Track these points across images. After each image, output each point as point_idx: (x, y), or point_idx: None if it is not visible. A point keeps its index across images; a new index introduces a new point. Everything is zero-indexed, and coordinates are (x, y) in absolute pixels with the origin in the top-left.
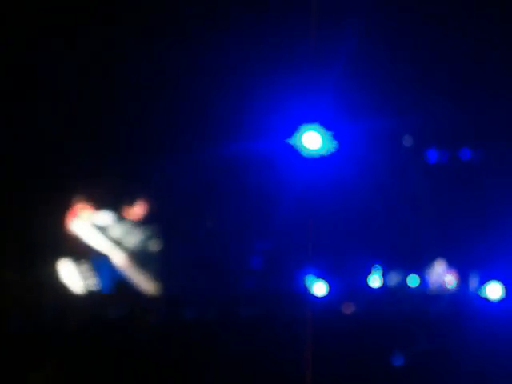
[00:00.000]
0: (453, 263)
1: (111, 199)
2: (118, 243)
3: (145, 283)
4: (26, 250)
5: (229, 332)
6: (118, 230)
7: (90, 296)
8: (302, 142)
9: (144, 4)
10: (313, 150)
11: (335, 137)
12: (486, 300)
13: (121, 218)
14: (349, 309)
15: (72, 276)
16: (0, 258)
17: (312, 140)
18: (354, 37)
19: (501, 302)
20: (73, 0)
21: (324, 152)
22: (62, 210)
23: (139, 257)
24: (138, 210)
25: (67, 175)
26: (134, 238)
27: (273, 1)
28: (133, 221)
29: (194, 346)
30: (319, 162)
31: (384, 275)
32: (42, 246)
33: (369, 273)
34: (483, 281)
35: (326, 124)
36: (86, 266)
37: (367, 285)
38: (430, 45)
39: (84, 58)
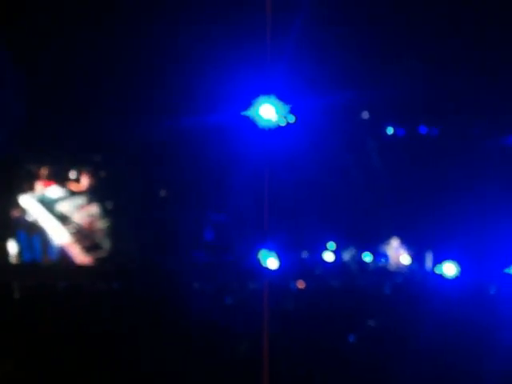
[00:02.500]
0: (408, 241)
1: (59, 173)
2: (66, 217)
3: (93, 255)
4: None
5: (180, 305)
6: (67, 204)
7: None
8: (258, 114)
9: None
10: (269, 122)
11: (292, 109)
12: (440, 277)
13: (71, 191)
14: (302, 283)
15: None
16: None
17: (268, 112)
18: (312, 8)
19: (455, 279)
20: None
21: (280, 124)
22: (10, 185)
23: (89, 229)
24: (87, 182)
25: (16, 153)
26: (85, 211)
27: None
28: (82, 193)
29: (142, 318)
30: (275, 134)
31: (338, 251)
32: None
33: (323, 248)
34: (438, 259)
35: (283, 96)
36: (31, 240)
37: (321, 260)
38: (388, 19)
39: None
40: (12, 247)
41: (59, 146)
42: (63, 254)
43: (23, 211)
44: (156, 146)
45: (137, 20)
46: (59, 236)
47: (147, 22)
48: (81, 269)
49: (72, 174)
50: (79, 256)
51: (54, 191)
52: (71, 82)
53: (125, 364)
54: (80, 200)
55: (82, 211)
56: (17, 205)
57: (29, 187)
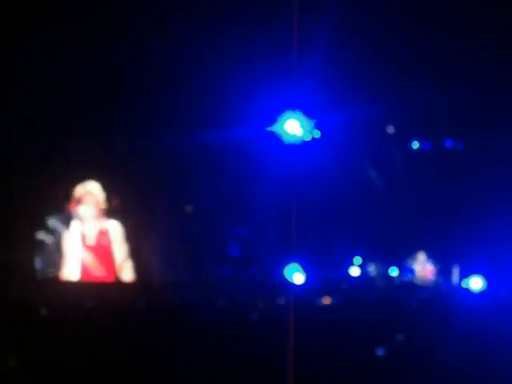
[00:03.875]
0: (435, 255)
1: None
2: (91, 235)
3: (123, 272)
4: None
5: (206, 320)
6: (93, 223)
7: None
8: (283, 129)
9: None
10: (294, 137)
11: (317, 124)
12: (467, 291)
13: (97, 210)
14: (328, 299)
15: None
16: None
17: (293, 127)
18: (336, 23)
19: (481, 293)
20: None
21: (306, 139)
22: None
23: (119, 246)
24: (116, 200)
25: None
26: (114, 228)
27: None
28: (111, 210)
29: (170, 333)
30: (300, 149)
31: (365, 265)
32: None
33: (349, 263)
34: (465, 273)
35: (308, 112)
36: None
37: (347, 274)
38: (415, 32)
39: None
40: (38, 263)
41: (84, 164)
42: (86, 273)
43: (50, 230)
44: (182, 161)
45: (163, 34)
46: (83, 254)
47: (174, 36)
48: (106, 287)
49: (98, 192)
50: (104, 274)
51: (82, 210)
52: (96, 97)
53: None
54: (105, 217)
55: (106, 228)
56: (44, 224)
57: (58, 207)
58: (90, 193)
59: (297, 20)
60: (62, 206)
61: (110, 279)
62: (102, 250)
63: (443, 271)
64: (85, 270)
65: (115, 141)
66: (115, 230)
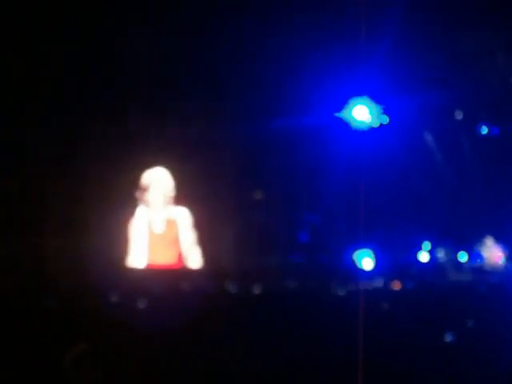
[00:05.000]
0: (503, 240)
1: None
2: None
3: (193, 259)
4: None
5: (275, 307)
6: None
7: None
8: (351, 116)
9: None
10: (363, 124)
11: (385, 110)
12: None
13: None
14: (398, 284)
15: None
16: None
17: (362, 113)
18: (404, 9)
19: None
20: None
21: (374, 125)
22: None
23: (186, 234)
24: (185, 187)
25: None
26: (182, 215)
27: None
28: (179, 198)
29: (240, 320)
30: (369, 135)
31: (433, 251)
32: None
33: (418, 248)
34: None
35: (376, 97)
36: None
37: (417, 260)
38: (479, 18)
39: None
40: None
41: (152, 151)
42: (153, 260)
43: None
44: (251, 148)
45: (235, 25)
46: (150, 242)
47: (246, 28)
48: (173, 274)
49: (166, 179)
50: (170, 261)
51: (149, 197)
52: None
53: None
54: (173, 204)
55: (174, 215)
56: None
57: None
58: (158, 180)
59: (365, 5)
60: (129, 193)
61: (177, 267)
62: (169, 238)
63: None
64: (152, 257)
65: (185, 129)
66: (183, 217)
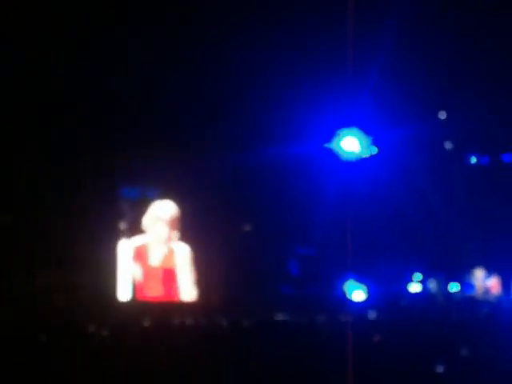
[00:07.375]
0: (494, 270)
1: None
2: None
3: (186, 292)
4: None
5: (266, 338)
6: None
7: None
8: (340, 146)
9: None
10: (352, 154)
11: (374, 141)
12: None
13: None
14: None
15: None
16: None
17: (351, 144)
18: (392, 42)
19: None
20: None
21: (363, 156)
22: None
23: (184, 269)
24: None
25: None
26: (181, 250)
27: (311, 6)
28: (169, 226)
29: (231, 352)
30: (358, 166)
31: (424, 282)
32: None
33: (408, 279)
34: None
35: (365, 128)
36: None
37: (407, 291)
38: (470, 53)
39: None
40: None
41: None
42: (145, 293)
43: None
44: (239, 181)
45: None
46: (147, 274)
47: (233, 58)
48: (166, 307)
49: (169, 214)
50: (165, 294)
51: (151, 231)
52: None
53: None
54: (173, 239)
55: (173, 250)
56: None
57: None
58: (161, 215)
59: (353, 38)
60: (131, 226)
61: (171, 299)
62: (166, 272)
63: (503, 286)
64: (146, 290)
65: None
66: (182, 252)
